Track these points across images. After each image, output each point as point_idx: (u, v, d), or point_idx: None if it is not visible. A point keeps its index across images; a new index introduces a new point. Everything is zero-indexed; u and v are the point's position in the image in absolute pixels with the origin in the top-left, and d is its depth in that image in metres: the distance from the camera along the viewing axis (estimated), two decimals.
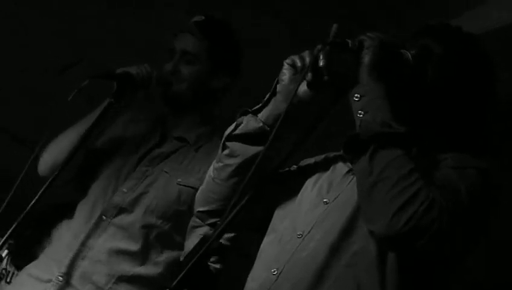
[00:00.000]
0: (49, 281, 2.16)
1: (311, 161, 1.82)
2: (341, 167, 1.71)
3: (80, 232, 2.20)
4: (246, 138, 1.67)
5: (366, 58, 1.55)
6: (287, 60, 1.65)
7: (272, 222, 1.73)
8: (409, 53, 1.62)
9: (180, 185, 2.21)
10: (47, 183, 2.08)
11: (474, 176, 1.53)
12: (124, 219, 2.20)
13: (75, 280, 2.15)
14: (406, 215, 1.40)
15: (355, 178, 1.56)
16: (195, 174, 2.22)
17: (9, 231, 1.98)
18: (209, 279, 1.83)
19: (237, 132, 1.68)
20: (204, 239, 1.83)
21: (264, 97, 1.69)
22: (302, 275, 1.54)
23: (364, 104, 1.51)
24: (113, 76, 2.24)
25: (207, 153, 2.25)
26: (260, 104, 1.68)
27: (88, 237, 2.18)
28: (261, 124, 1.66)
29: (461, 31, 1.72)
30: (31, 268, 2.26)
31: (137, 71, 2.24)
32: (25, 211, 2.02)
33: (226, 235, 1.87)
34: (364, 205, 1.49)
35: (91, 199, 2.27)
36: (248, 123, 1.67)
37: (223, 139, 1.70)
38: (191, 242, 2.09)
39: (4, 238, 1.96)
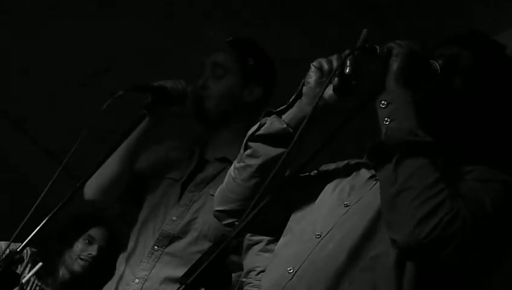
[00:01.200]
0: None
1: (332, 166, 1.80)
2: (364, 173, 1.69)
3: (135, 265, 2.19)
4: (269, 139, 1.65)
5: (394, 65, 1.53)
6: (314, 63, 1.63)
7: (289, 224, 1.71)
8: (437, 63, 1.60)
9: None
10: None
11: (500, 189, 1.51)
12: (177, 246, 2.18)
13: None
14: (429, 226, 1.39)
15: (378, 183, 1.55)
16: None
17: (30, 236, 1.93)
18: (226, 278, 1.79)
19: (260, 132, 1.66)
20: (222, 237, 1.80)
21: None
22: (318, 275, 1.52)
23: (390, 112, 1.49)
24: (148, 88, 2.23)
25: None
26: (285, 106, 1.66)
27: (143, 269, 2.16)
28: (285, 126, 1.64)
29: (489, 39, 1.70)
30: None
31: (172, 85, 2.23)
32: (48, 217, 1.98)
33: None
34: (387, 214, 1.47)
35: (141, 230, 2.25)
36: (272, 124, 1.65)
37: (246, 138, 1.68)
38: (249, 261, 2.08)
39: (23, 244, 1.91)
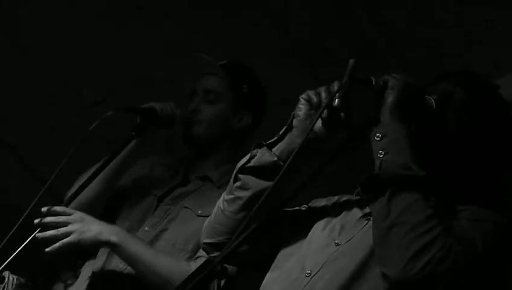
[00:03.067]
0: None
1: (322, 201, 1.77)
2: (355, 212, 1.67)
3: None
4: (259, 172, 1.62)
5: (390, 98, 1.52)
6: (303, 95, 1.62)
7: (277, 259, 1.67)
8: (432, 98, 1.58)
9: (201, 216, 2.14)
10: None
11: (492, 230, 1.49)
12: None
13: None
14: (422, 262, 1.36)
15: (369, 223, 1.54)
16: (214, 203, 2.16)
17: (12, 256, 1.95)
18: None
19: (251, 164, 1.63)
20: (207, 262, 1.77)
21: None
22: None
23: (385, 145, 1.48)
24: (137, 110, 2.24)
25: None
26: (275, 138, 1.64)
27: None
28: (275, 159, 1.61)
29: (482, 78, 1.71)
30: None
31: (162, 107, 2.23)
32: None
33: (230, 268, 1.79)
34: (379, 248, 1.44)
35: None
36: (262, 156, 1.62)
37: (236, 170, 1.65)
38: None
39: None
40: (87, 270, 2.23)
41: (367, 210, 1.62)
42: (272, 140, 1.64)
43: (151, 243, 2.16)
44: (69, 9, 3.00)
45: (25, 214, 1.91)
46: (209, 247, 1.68)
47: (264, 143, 1.63)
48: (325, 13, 2.98)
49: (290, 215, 1.71)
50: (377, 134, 1.49)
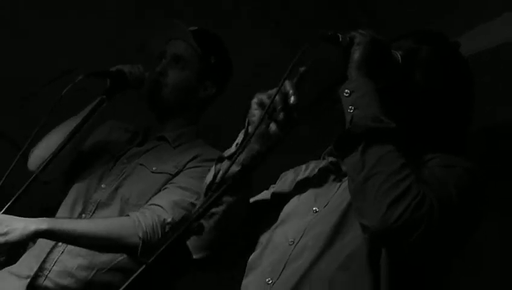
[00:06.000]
0: (28, 277, 2.14)
1: (290, 175, 1.81)
2: (327, 176, 1.71)
3: None
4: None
5: (356, 54, 1.54)
6: (255, 100, 1.63)
7: (259, 241, 1.70)
8: (398, 54, 1.62)
9: (155, 172, 2.22)
10: (33, 176, 2.11)
11: (462, 174, 1.54)
12: (102, 213, 2.22)
13: (53, 274, 2.13)
14: (399, 210, 1.40)
15: (342, 184, 1.59)
16: (170, 163, 2.23)
17: None
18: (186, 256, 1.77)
19: (217, 180, 1.64)
20: (183, 219, 1.87)
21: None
22: (300, 281, 1.53)
23: (354, 100, 1.51)
24: (107, 73, 2.27)
25: (186, 150, 2.28)
26: (234, 150, 1.64)
27: None
28: (241, 167, 1.63)
29: (443, 35, 1.75)
30: (13, 267, 2.23)
31: (131, 70, 2.28)
32: (8, 204, 2.03)
33: None
34: (356, 201, 1.47)
35: (72, 198, 2.30)
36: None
37: (204, 189, 1.66)
38: None
39: None
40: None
41: (338, 172, 1.66)
42: (231, 152, 1.64)
43: (108, 199, 2.22)
44: None
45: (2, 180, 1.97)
46: (202, 264, 1.72)
47: (225, 156, 1.64)
48: None
49: (260, 210, 1.75)
50: (346, 90, 1.52)
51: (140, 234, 2.04)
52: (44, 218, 2.08)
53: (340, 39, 1.54)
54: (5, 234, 1.97)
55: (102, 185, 2.27)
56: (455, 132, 1.69)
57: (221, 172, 1.63)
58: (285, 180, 1.81)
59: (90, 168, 2.35)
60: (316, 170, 1.76)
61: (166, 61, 2.35)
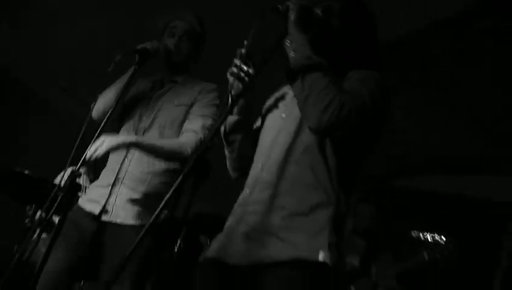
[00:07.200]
0: (109, 185, 3.14)
1: (271, 100, 2.53)
2: (290, 93, 2.41)
3: (123, 151, 3.18)
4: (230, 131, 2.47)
5: (292, 16, 2.25)
6: (228, 75, 2.34)
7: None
8: (318, 11, 2.33)
9: (177, 105, 3.30)
10: (104, 120, 2.92)
11: (373, 83, 2.18)
12: (148, 135, 3.29)
13: (126, 180, 3.14)
14: (327, 114, 2.06)
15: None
16: (184, 96, 3.30)
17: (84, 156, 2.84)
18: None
19: (227, 129, 2.48)
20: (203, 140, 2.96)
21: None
22: (275, 163, 2.25)
23: (294, 47, 2.21)
24: (136, 51, 3.18)
25: (191, 87, 3.36)
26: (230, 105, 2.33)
27: (128, 151, 3.19)
28: (237, 117, 2.43)
29: None
30: (96, 181, 3.24)
31: (151, 46, 3.22)
32: (100, 129, 2.87)
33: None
34: (302, 110, 2.16)
35: (126, 129, 3.32)
36: (228, 120, 2.45)
37: (222, 136, 2.50)
38: None
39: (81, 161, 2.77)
40: (112, 156, 3.32)
41: None
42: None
43: (149, 127, 3.28)
44: None
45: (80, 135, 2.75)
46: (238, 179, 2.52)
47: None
48: None
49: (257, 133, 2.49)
50: (288, 41, 2.22)
51: (189, 150, 3.11)
52: (127, 135, 3.21)
53: (280, 9, 2.26)
54: (101, 144, 2.94)
55: (144, 118, 3.32)
56: (367, 55, 2.34)
57: (227, 125, 2.42)
58: (269, 102, 2.53)
59: (131, 109, 3.40)
60: (284, 90, 2.46)
61: (178, 35, 3.42)
